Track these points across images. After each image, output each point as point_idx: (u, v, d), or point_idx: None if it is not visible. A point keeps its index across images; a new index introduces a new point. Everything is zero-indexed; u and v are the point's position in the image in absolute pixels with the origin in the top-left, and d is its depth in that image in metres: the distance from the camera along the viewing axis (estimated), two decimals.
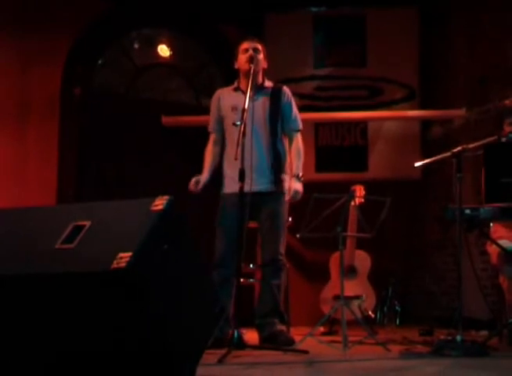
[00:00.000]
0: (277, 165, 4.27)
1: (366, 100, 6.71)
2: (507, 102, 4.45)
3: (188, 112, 6.42)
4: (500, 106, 5.02)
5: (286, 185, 4.27)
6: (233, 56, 4.38)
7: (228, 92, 4.41)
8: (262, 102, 4.29)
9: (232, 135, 4.23)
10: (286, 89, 4.41)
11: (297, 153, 4.33)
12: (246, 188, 3.80)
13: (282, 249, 4.25)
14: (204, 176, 4.32)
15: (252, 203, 3.94)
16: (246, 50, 4.28)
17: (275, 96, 4.33)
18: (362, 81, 6.75)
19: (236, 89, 4.36)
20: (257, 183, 4.06)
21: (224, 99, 4.38)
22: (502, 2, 5.88)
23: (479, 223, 3.89)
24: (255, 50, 4.27)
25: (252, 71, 4.12)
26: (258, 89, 4.30)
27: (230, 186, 4.22)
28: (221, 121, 4.39)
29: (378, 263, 5.62)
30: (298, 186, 4.19)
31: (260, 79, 4.35)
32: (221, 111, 4.38)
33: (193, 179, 4.27)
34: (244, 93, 4.07)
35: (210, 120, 4.46)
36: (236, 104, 4.21)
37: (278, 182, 4.26)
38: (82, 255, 2.27)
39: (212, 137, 4.45)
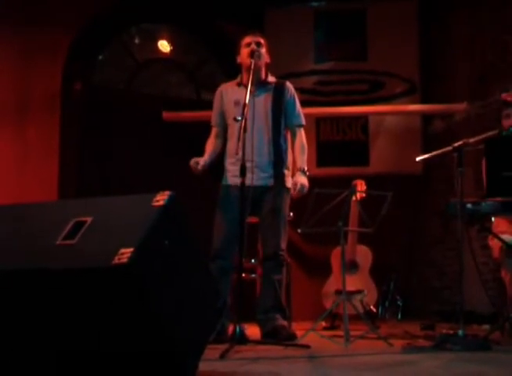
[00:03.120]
0: (279, 160, 4.26)
1: (367, 94, 6.71)
2: (503, 96, 4.43)
3: (188, 107, 6.42)
4: (498, 100, 5.02)
5: (289, 180, 4.28)
6: (235, 51, 4.36)
7: (232, 87, 4.39)
8: (264, 97, 4.28)
9: (233, 130, 4.23)
10: (289, 85, 4.39)
11: (301, 147, 4.33)
12: (247, 182, 3.80)
13: (283, 244, 4.24)
14: (204, 158, 4.28)
15: (253, 198, 3.94)
16: (249, 44, 4.24)
17: (278, 92, 4.31)
18: (362, 75, 6.75)
19: (239, 84, 4.34)
20: (258, 178, 4.08)
21: (227, 94, 4.36)
22: None
23: (480, 218, 3.89)
24: (258, 44, 4.24)
25: (253, 66, 4.08)
26: (261, 84, 4.28)
27: (231, 179, 4.23)
28: (223, 115, 4.38)
29: (380, 258, 5.62)
30: (304, 181, 4.21)
31: (263, 74, 4.31)
32: (223, 106, 4.36)
33: (193, 160, 4.23)
34: (247, 88, 4.05)
35: (213, 114, 4.45)
36: (239, 99, 4.19)
37: (279, 176, 4.25)
38: (83, 251, 2.27)
39: (214, 131, 4.44)
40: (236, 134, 4.07)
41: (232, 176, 4.23)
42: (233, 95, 4.30)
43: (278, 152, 4.26)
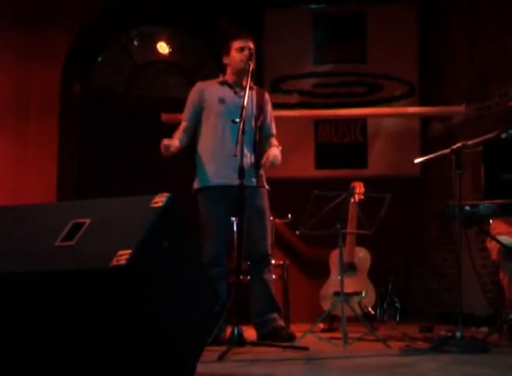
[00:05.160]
0: (258, 161, 4.27)
1: (366, 97, 6.71)
2: None
3: None
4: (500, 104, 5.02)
5: (265, 180, 4.34)
6: (224, 50, 4.36)
7: (213, 85, 4.38)
8: (250, 101, 4.27)
9: (213, 128, 4.22)
10: (267, 95, 4.48)
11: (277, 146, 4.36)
12: (234, 183, 3.79)
13: (270, 245, 4.29)
14: (175, 144, 4.11)
15: (237, 198, 3.93)
16: (242, 49, 4.25)
17: (260, 99, 4.34)
18: (361, 77, 6.76)
19: (222, 83, 4.35)
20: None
21: (209, 91, 4.34)
22: None
23: (479, 220, 3.89)
24: (250, 49, 4.25)
25: (251, 69, 4.08)
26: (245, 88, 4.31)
27: (212, 179, 4.20)
28: (200, 112, 4.33)
29: (378, 260, 5.62)
30: (277, 152, 4.23)
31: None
32: (204, 102, 4.31)
33: (165, 141, 4.05)
34: (231, 87, 4.21)
35: (187, 109, 4.36)
36: (223, 97, 4.23)
37: (259, 177, 4.27)
38: (82, 253, 2.27)
39: (183, 125, 4.33)
40: (219, 132, 4.17)
41: (213, 176, 4.19)
42: (217, 93, 4.30)
43: (258, 153, 4.27)
